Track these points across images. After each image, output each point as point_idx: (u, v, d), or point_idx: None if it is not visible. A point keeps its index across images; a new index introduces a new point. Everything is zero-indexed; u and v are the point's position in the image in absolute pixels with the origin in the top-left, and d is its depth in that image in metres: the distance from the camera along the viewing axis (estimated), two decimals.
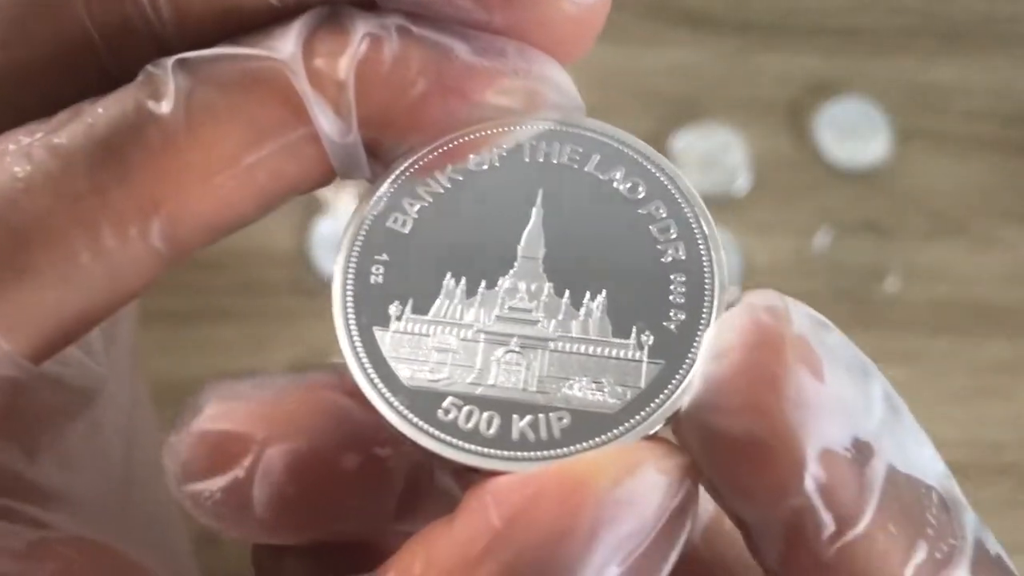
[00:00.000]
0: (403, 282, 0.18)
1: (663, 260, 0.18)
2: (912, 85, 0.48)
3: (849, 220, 0.46)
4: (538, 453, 0.17)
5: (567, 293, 0.18)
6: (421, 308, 0.18)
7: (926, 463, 0.17)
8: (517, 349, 0.17)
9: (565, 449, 0.17)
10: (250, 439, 0.18)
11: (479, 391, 0.17)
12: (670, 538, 0.16)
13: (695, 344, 0.17)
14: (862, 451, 0.16)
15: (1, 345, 0.18)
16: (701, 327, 0.17)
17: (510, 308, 0.18)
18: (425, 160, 0.19)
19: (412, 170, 0.19)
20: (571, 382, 0.17)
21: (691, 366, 0.17)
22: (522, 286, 0.18)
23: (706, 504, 0.19)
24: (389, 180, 0.19)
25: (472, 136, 0.19)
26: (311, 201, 0.45)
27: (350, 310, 0.18)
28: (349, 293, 0.18)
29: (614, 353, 0.17)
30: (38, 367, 0.18)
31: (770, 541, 0.16)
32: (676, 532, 0.16)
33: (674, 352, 0.17)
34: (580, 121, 0.19)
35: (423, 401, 0.17)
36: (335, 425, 0.18)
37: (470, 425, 0.17)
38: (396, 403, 0.17)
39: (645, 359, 0.17)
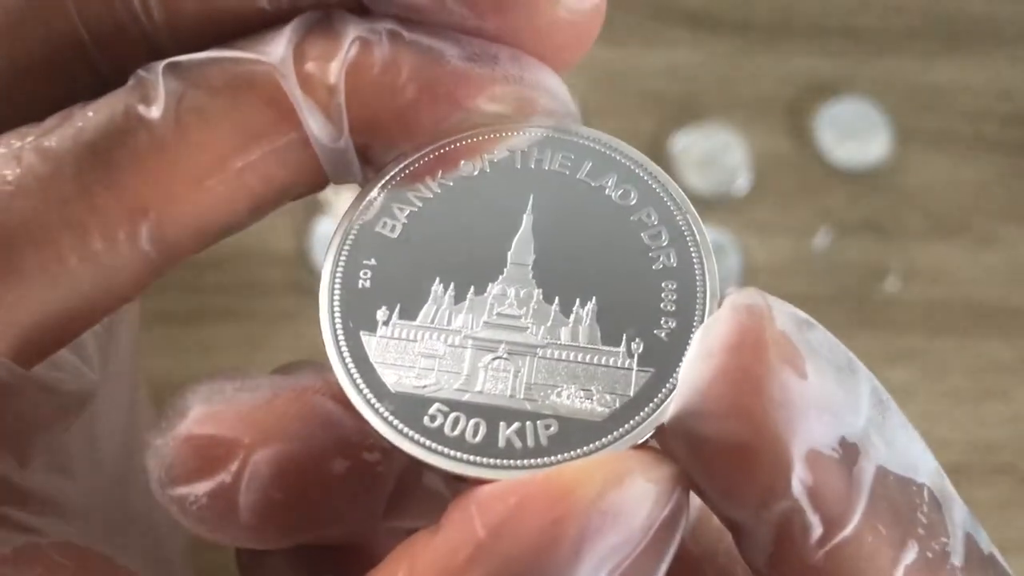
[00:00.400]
0: (391, 287, 0.18)
1: (654, 267, 0.18)
2: (912, 85, 0.48)
3: (849, 220, 0.46)
4: (524, 461, 0.16)
5: (557, 300, 0.18)
6: (409, 313, 0.18)
7: (917, 460, 0.17)
8: (505, 356, 0.17)
9: (552, 458, 0.16)
10: (237, 444, 0.18)
11: (466, 398, 0.17)
12: (660, 549, 0.16)
13: (686, 352, 0.17)
14: (849, 451, 0.16)
15: None
16: (692, 335, 0.17)
17: (499, 314, 0.18)
18: (416, 166, 0.19)
19: (403, 175, 0.19)
20: (559, 389, 0.17)
21: None
22: (511, 292, 0.18)
23: (694, 499, 0.19)
24: (379, 185, 0.19)
25: (463, 142, 0.19)
26: (311, 201, 0.45)
27: (337, 314, 0.18)
28: (336, 297, 0.18)
29: (603, 361, 0.17)
30: (28, 371, 0.18)
31: (758, 543, 0.16)
32: (666, 543, 0.16)
33: (664, 360, 0.17)
34: (572, 128, 0.19)
35: (409, 407, 0.17)
36: (323, 430, 0.18)
37: (456, 432, 0.17)
38: (381, 409, 0.17)
39: (635, 367, 0.17)
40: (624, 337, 0.17)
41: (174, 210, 0.18)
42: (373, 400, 0.17)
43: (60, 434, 0.21)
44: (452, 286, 0.18)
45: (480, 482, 0.16)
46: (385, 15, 0.19)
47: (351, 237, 0.18)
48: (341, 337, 0.18)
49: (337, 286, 0.18)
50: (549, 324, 0.18)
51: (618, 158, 0.19)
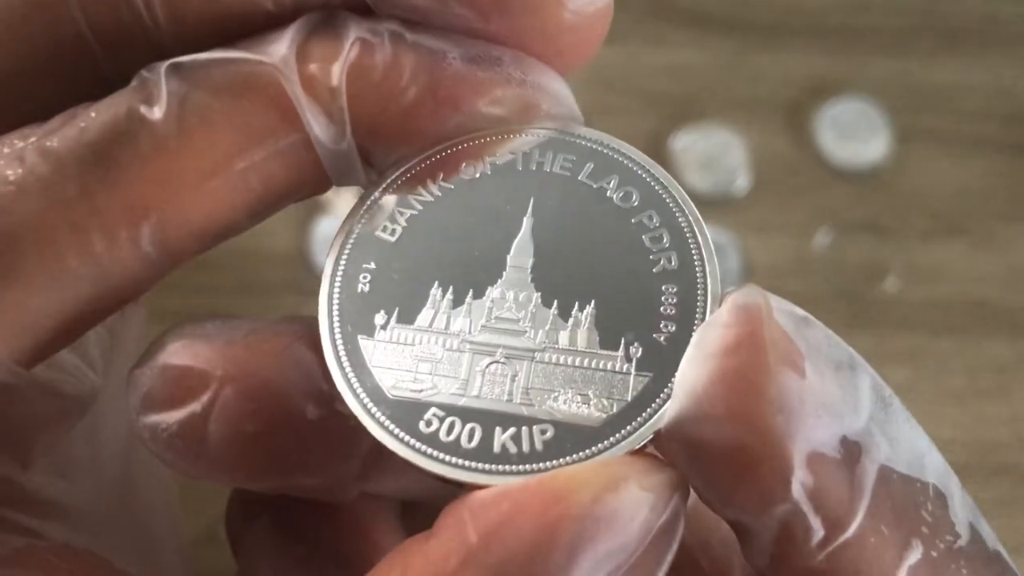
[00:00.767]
0: (390, 291, 0.18)
1: (655, 270, 0.18)
2: (912, 85, 0.48)
3: (849, 220, 0.46)
4: (519, 467, 0.16)
5: (555, 303, 0.18)
6: (407, 317, 0.18)
7: (921, 457, 0.16)
8: (502, 360, 0.17)
9: (547, 463, 0.16)
10: (209, 376, 0.18)
11: (462, 402, 0.17)
12: (658, 555, 0.16)
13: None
14: (851, 450, 0.16)
15: None
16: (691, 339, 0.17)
17: (497, 318, 0.18)
18: (417, 169, 0.19)
19: (404, 179, 0.19)
20: (556, 394, 0.17)
21: None
22: (510, 296, 0.18)
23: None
24: (380, 188, 0.19)
25: (465, 145, 0.19)
26: (312, 202, 0.44)
27: (335, 318, 0.18)
28: (335, 301, 0.18)
29: (601, 365, 0.17)
30: (29, 372, 0.18)
31: (760, 545, 0.16)
32: (663, 550, 0.16)
33: (663, 364, 0.17)
34: (574, 130, 0.19)
35: (405, 411, 0.17)
36: (296, 373, 0.18)
37: (451, 437, 0.17)
38: (377, 413, 0.17)
39: (633, 371, 0.17)
40: (623, 341, 0.17)
41: (176, 211, 0.18)
42: (369, 404, 0.17)
43: (62, 436, 0.21)
44: (451, 290, 0.18)
45: (475, 487, 0.16)
46: (389, 16, 0.18)
47: (351, 241, 0.18)
48: (339, 341, 0.18)
49: (336, 291, 0.18)
50: (547, 328, 0.17)
51: (620, 159, 0.19)
